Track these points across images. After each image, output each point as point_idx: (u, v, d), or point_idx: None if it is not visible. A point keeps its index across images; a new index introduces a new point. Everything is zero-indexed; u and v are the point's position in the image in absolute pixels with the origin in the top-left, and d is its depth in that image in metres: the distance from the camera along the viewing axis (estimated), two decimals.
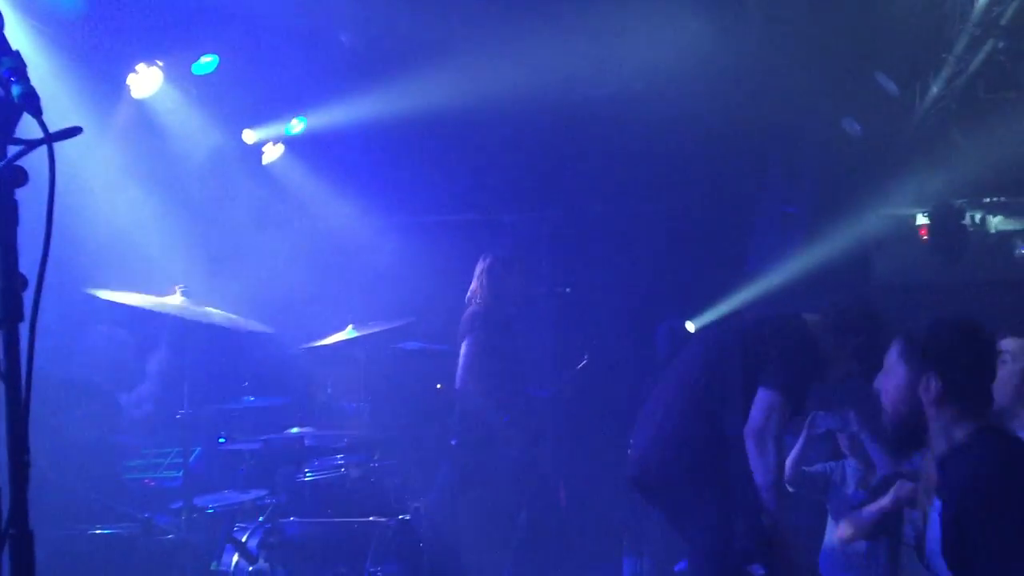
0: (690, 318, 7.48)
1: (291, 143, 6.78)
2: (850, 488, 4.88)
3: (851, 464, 4.94)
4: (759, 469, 3.43)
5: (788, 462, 5.03)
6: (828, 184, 7.06)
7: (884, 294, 7.52)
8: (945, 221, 7.41)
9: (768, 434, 3.42)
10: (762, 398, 3.44)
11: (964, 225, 7.37)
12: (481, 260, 5.50)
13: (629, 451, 3.97)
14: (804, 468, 5.09)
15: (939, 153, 6.55)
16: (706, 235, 7.43)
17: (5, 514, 1.54)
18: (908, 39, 5.83)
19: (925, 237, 7.54)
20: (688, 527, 3.67)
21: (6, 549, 1.54)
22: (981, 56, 5.33)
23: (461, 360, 5.26)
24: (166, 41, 5.40)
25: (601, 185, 7.67)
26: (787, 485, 5.03)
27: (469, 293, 5.47)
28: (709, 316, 7.38)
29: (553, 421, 6.56)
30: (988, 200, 7.37)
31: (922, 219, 7.58)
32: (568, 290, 6.25)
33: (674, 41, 6.65)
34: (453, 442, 5.39)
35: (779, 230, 7.40)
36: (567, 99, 7.56)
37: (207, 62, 5.67)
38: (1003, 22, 5.04)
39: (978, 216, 7.38)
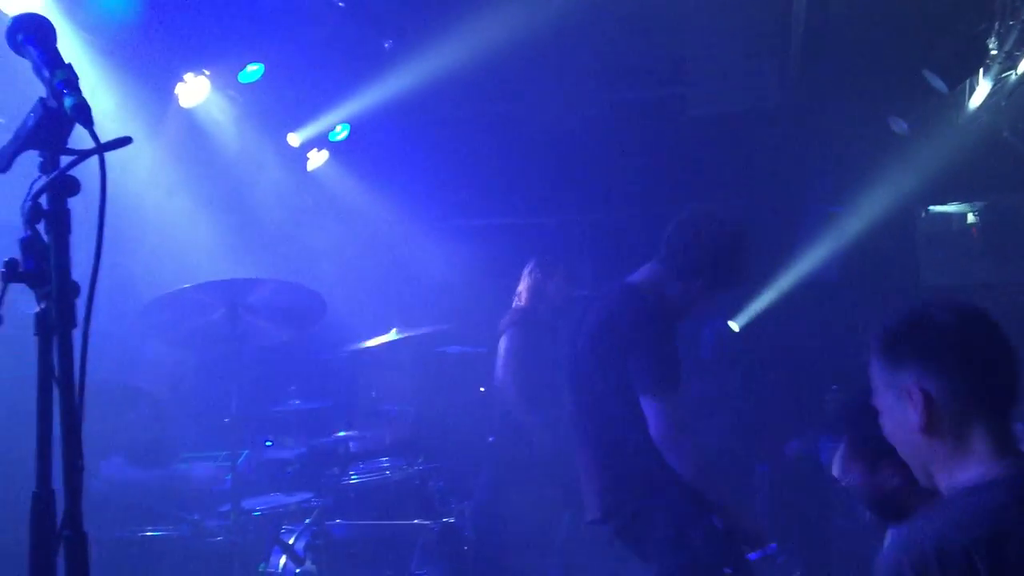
0: (734, 319, 7.43)
1: (335, 149, 6.84)
2: None
3: None
4: (682, 466, 3.18)
5: (836, 457, 4.93)
6: (875, 183, 6.96)
7: (934, 296, 7.41)
8: (996, 219, 7.27)
9: (675, 432, 3.17)
10: (650, 407, 3.19)
11: (1016, 223, 7.23)
12: (528, 263, 5.59)
13: (587, 492, 3.49)
14: None
15: (989, 150, 6.43)
16: (751, 236, 7.36)
17: (60, 516, 1.58)
18: (956, 35, 5.74)
19: (976, 236, 7.41)
20: (656, 551, 3.31)
21: (61, 550, 1.58)
22: None
23: (501, 355, 5.30)
24: (213, 50, 5.48)
25: (644, 187, 7.65)
26: (835, 476, 4.95)
27: (516, 292, 5.55)
28: (753, 317, 7.33)
29: None
30: None
31: (972, 218, 7.45)
32: None
33: (717, 42, 6.62)
34: (491, 439, 5.42)
35: (825, 231, 7.31)
36: (610, 100, 7.56)
37: (253, 70, 5.74)
38: None
39: None
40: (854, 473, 2.48)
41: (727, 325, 7.35)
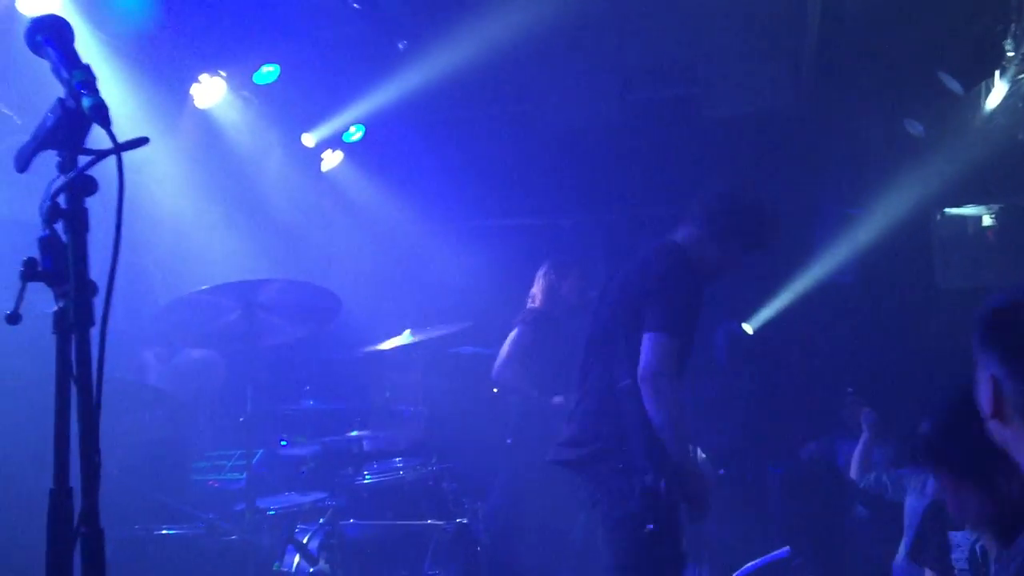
0: (748, 321, 7.40)
1: (349, 150, 6.86)
2: (927, 498, 4.75)
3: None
4: (655, 409, 3.18)
5: (853, 459, 4.94)
6: (891, 186, 6.92)
7: (949, 298, 7.37)
8: (1012, 222, 7.23)
9: (661, 374, 3.19)
10: (648, 340, 3.24)
11: None
12: (542, 265, 5.60)
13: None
14: (897, 469, 4.99)
15: (1005, 153, 6.39)
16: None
17: (77, 512, 1.59)
18: (972, 37, 5.71)
19: (992, 238, 7.36)
20: (602, 498, 3.40)
21: (78, 546, 1.59)
22: None
23: (505, 348, 5.32)
24: (228, 52, 5.51)
25: (658, 187, 7.63)
26: (854, 478, 4.95)
27: (530, 294, 5.55)
28: (768, 319, 7.30)
29: None
30: None
31: (988, 220, 7.40)
32: None
33: (732, 43, 6.61)
34: (509, 441, 5.42)
35: (841, 233, 7.28)
36: (624, 101, 7.54)
37: (268, 72, 5.77)
38: None
39: None
40: (969, 495, 2.22)
41: (741, 327, 7.33)
